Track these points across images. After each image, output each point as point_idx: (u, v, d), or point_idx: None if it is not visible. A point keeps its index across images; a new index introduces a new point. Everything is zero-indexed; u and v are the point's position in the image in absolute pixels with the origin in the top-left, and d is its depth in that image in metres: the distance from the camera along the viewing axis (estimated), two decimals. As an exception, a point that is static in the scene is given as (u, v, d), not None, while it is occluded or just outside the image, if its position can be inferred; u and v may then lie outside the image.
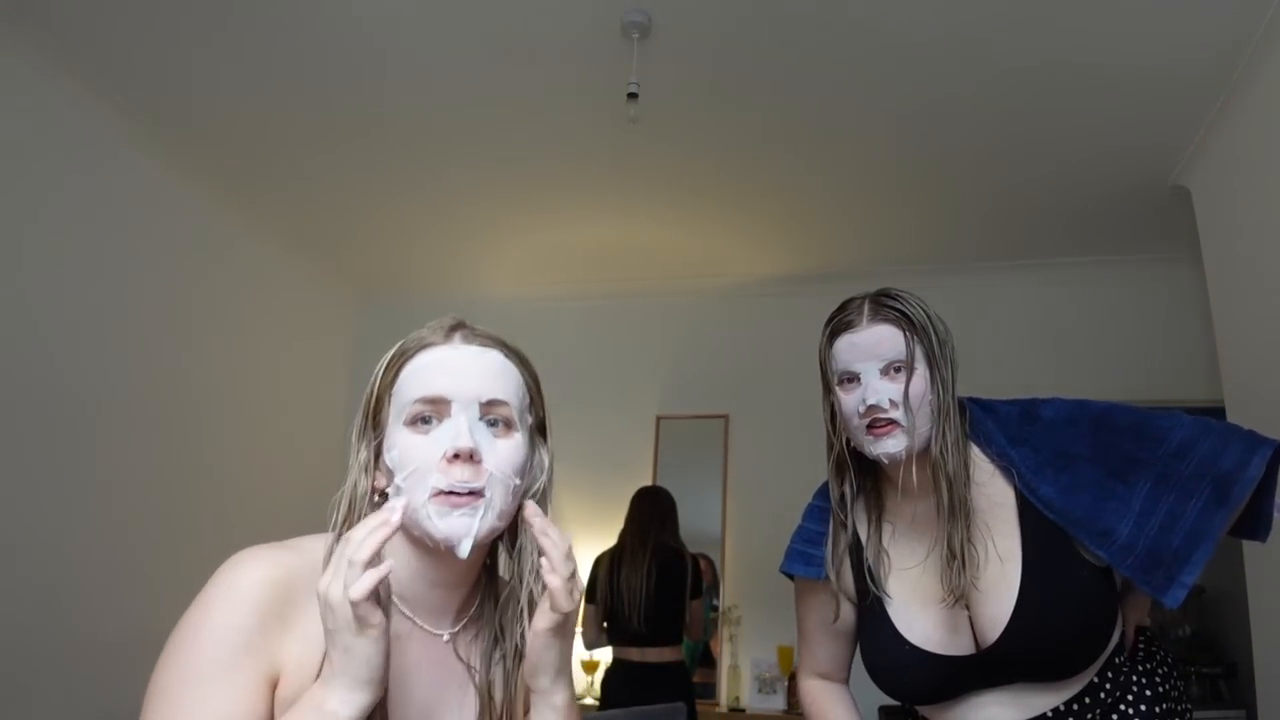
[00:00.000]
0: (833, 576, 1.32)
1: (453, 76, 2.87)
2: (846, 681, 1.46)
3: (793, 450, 4.21)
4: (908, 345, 1.19)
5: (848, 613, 1.35)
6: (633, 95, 2.58)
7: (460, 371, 0.91)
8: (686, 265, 4.28)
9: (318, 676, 0.80)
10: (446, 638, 0.96)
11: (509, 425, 0.93)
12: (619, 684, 3.20)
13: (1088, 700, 1.20)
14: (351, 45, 2.72)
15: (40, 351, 2.83)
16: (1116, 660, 1.24)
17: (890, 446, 1.19)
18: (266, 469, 3.84)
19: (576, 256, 4.26)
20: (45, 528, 2.81)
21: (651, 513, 3.37)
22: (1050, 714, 1.20)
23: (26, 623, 2.70)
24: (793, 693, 3.78)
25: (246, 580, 0.82)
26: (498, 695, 0.96)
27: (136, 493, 3.18)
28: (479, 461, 0.87)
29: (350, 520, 0.89)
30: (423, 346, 0.93)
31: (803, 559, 1.38)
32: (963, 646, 1.21)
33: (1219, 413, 2.88)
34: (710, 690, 3.90)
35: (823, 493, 1.44)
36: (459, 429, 0.87)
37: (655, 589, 3.17)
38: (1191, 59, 2.62)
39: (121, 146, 3.14)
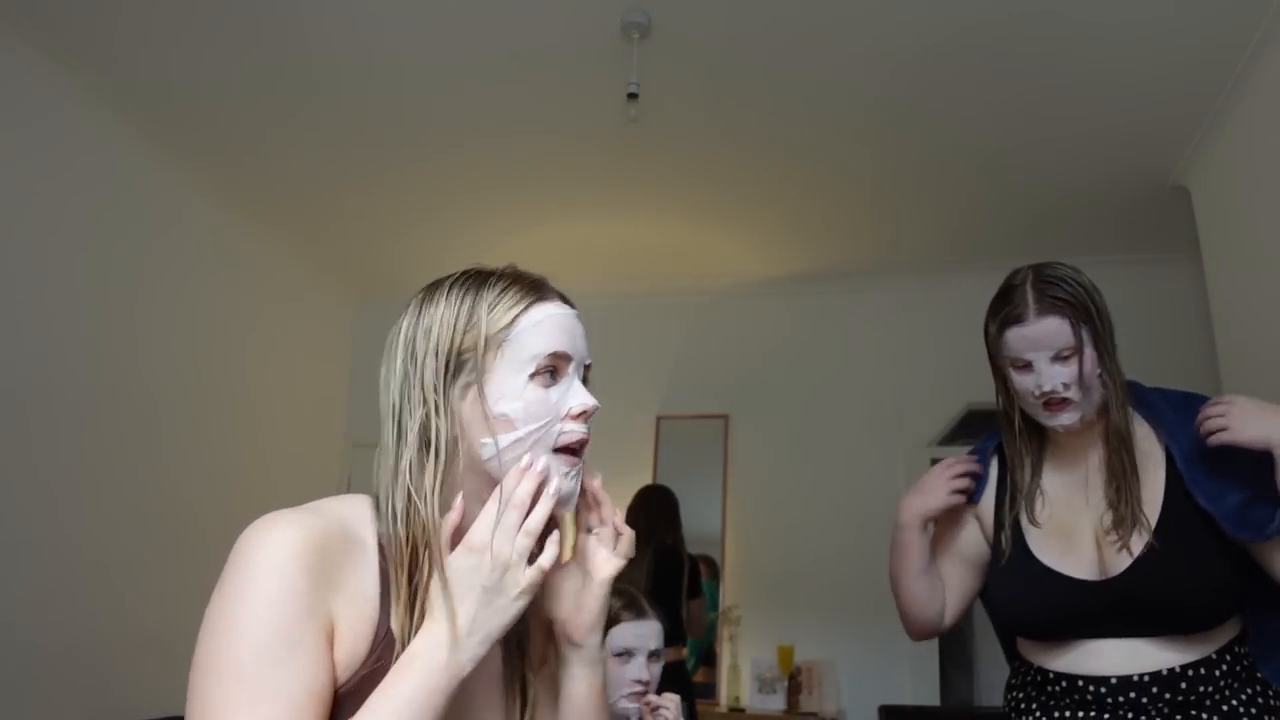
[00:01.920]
0: (986, 509, 1.48)
1: (453, 77, 2.87)
2: (940, 592, 1.56)
3: (793, 450, 4.22)
4: (1075, 334, 1.30)
5: (979, 544, 1.50)
6: (633, 95, 2.58)
7: (575, 332, 0.91)
8: (686, 265, 4.28)
9: (378, 635, 0.78)
10: None
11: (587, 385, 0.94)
12: None
13: (1203, 672, 1.25)
14: (351, 45, 2.72)
15: (39, 352, 2.83)
16: (1239, 650, 1.29)
17: (1065, 420, 1.33)
18: (265, 468, 3.83)
19: (576, 256, 4.26)
20: (45, 528, 2.81)
21: (649, 512, 3.37)
22: (1165, 672, 1.26)
23: (25, 623, 2.70)
24: (793, 692, 3.78)
25: (284, 541, 0.75)
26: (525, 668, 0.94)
27: (135, 493, 3.18)
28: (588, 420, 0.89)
29: (440, 468, 0.83)
30: (538, 298, 0.91)
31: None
32: (1089, 575, 1.32)
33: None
34: (710, 690, 3.90)
35: (988, 438, 1.57)
36: (582, 388, 0.89)
37: (652, 588, 3.18)
38: (1191, 59, 2.62)
39: (121, 147, 3.13)
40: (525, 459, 0.83)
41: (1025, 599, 1.37)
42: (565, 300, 0.94)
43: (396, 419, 0.85)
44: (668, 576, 3.23)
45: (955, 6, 2.47)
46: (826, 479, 4.09)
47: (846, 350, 4.25)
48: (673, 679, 3.17)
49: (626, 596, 1.73)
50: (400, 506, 0.81)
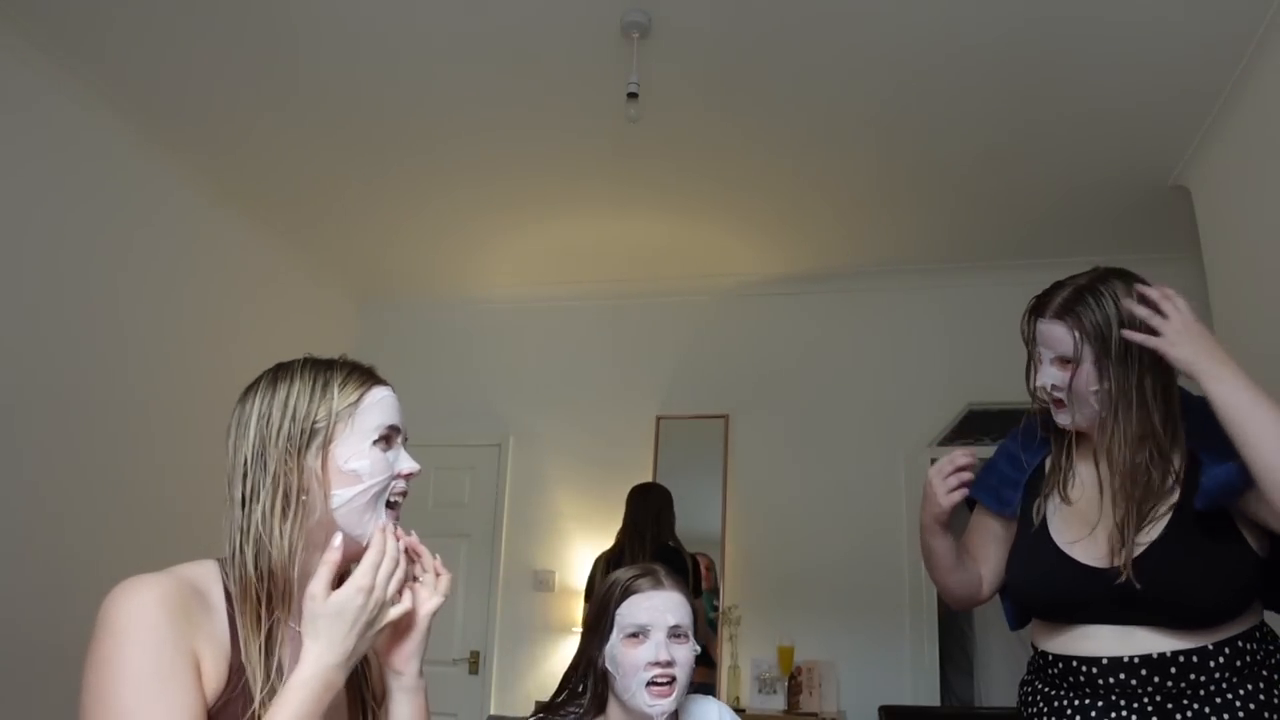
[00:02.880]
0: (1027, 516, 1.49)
1: (453, 77, 2.87)
2: (976, 574, 1.59)
3: (793, 450, 4.22)
4: (1076, 348, 1.35)
5: (1009, 531, 1.54)
6: (633, 95, 2.58)
7: (399, 410, 1.10)
8: (686, 265, 4.28)
9: (233, 668, 0.92)
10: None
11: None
12: None
13: (1195, 660, 1.26)
14: (351, 46, 2.72)
15: (38, 352, 2.83)
16: (1244, 645, 1.29)
17: (1060, 420, 1.42)
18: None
19: (576, 256, 4.26)
20: (38, 527, 2.81)
21: (646, 511, 3.37)
22: (1155, 656, 1.28)
23: (18, 622, 2.70)
24: (793, 692, 3.78)
25: (148, 596, 0.90)
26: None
27: (136, 494, 3.18)
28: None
29: (293, 516, 1.00)
30: (374, 382, 1.10)
31: (997, 497, 1.56)
32: (1098, 561, 1.35)
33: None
34: (710, 690, 3.89)
35: (1015, 437, 1.59)
36: (408, 456, 1.09)
37: None
38: (1191, 59, 2.62)
39: (118, 145, 3.13)
40: (381, 521, 1.02)
41: (1035, 577, 1.43)
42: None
43: (249, 479, 1.01)
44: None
45: (956, 7, 2.47)
46: (826, 479, 4.09)
47: (846, 350, 4.25)
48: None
49: (644, 568, 1.52)
50: (251, 555, 0.97)
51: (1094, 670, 1.32)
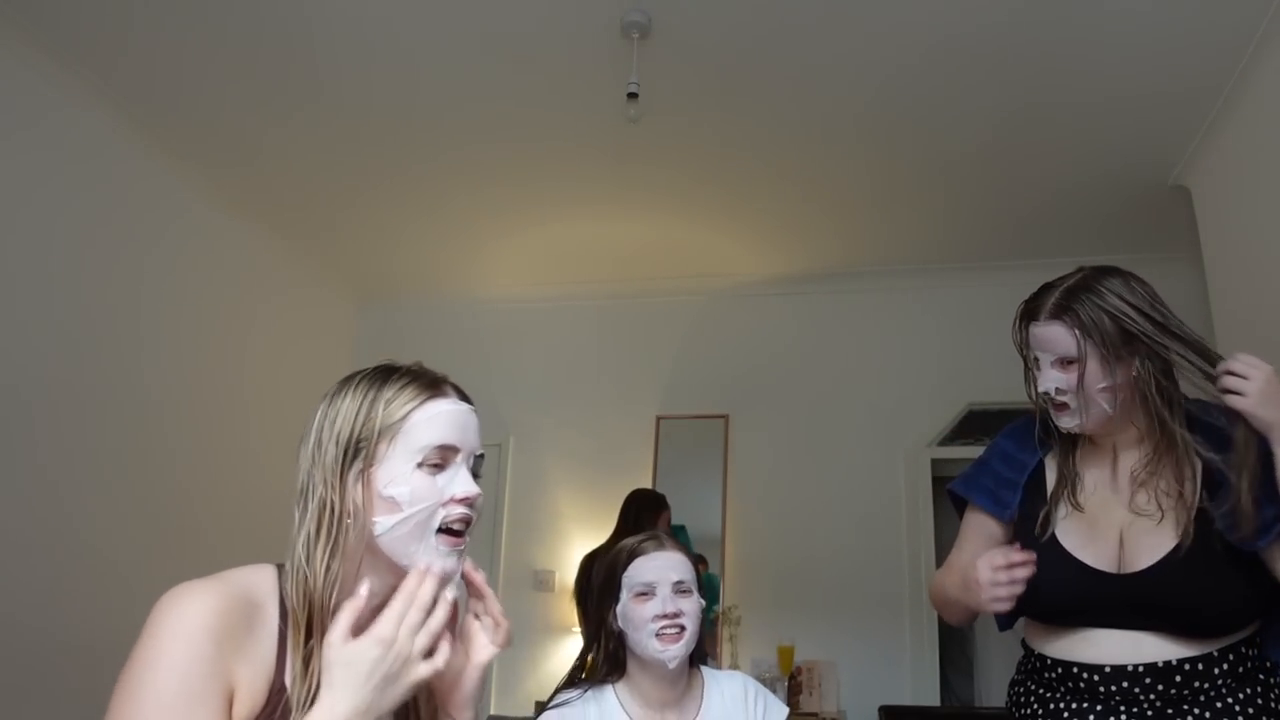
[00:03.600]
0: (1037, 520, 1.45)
1: (453, 77, 2.87)
2: None
3: (793, 450, 4.22)
4: (1078, 345, 1.32)
5: (1008, 533, 1.51)
6: (633, 95, 2.58)
7: (466, 427, 1.00)
8: (686, 265, 4.28)
9: (273, 689, 0.87)
10: None
11: (477, 475, 1.03)
12: None
13: (1200, 668, 1.25)
14: (350, 46, 2.72)
15: (38, 352, 2.83)
16: (1244, 650, 1.28)
17: (1065, 423, 1.38)
18: (264, 470, 3.83)
19: (576, 256, 4.26)
20: (49, 526, 2.81)
21: (625, 516, 3.36)
22: (1161, 665, 1.26)
23: (31, 620, 2.70)
24: (793, 692, 3.78)
25: (195, 608, 0.85)
26: None
27: (134, 494, 3.18)
28: (474, 504, 0.98)
29: (332, 543, 0.93)
30: (432, 395, 0.99)
31: (994, 499, 1.52)
32: (1106, 566, 1.33)
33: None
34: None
35: (1010, 436, 1.56)
36: (468, 477, 0.98)
37: None
38: (1191, 59, 2.62)
39: (123, 149, 3.13)
40: (422, 562, 0.93)
41: (1042, 579, 1.38)
42: (463, 396, 1.03)
43: (303, 497, 0.96)
44: None
45: (956, 7, 2.47)
46: (826, 479, 4.09)
47: (846, 350, 4.25)
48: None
49: (648, 534, 1.63)
50: (293, 576, 0.92)
51: (1096, 677, 1.30)
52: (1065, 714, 1.32)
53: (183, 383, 3.44)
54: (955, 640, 4.51)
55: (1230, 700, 1.25)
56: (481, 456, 1.02)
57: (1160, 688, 1.26)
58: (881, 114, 3.00)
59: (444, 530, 0.95)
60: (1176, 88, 2.76)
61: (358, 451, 0.95)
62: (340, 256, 4.33)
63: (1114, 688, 1.28)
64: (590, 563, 3.28)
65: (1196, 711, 1.25)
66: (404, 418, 0.96)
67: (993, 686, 4.90)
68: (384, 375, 0.99)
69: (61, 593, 2.84)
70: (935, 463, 4.01)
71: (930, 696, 3.75)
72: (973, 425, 3.97)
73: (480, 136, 3.22)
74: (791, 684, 3.78)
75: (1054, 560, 1.37)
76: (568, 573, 4.22)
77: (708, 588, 3.73)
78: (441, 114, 3.08)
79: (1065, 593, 1.36)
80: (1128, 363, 1.33)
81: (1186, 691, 1.25)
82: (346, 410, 0.97)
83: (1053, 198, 3.50)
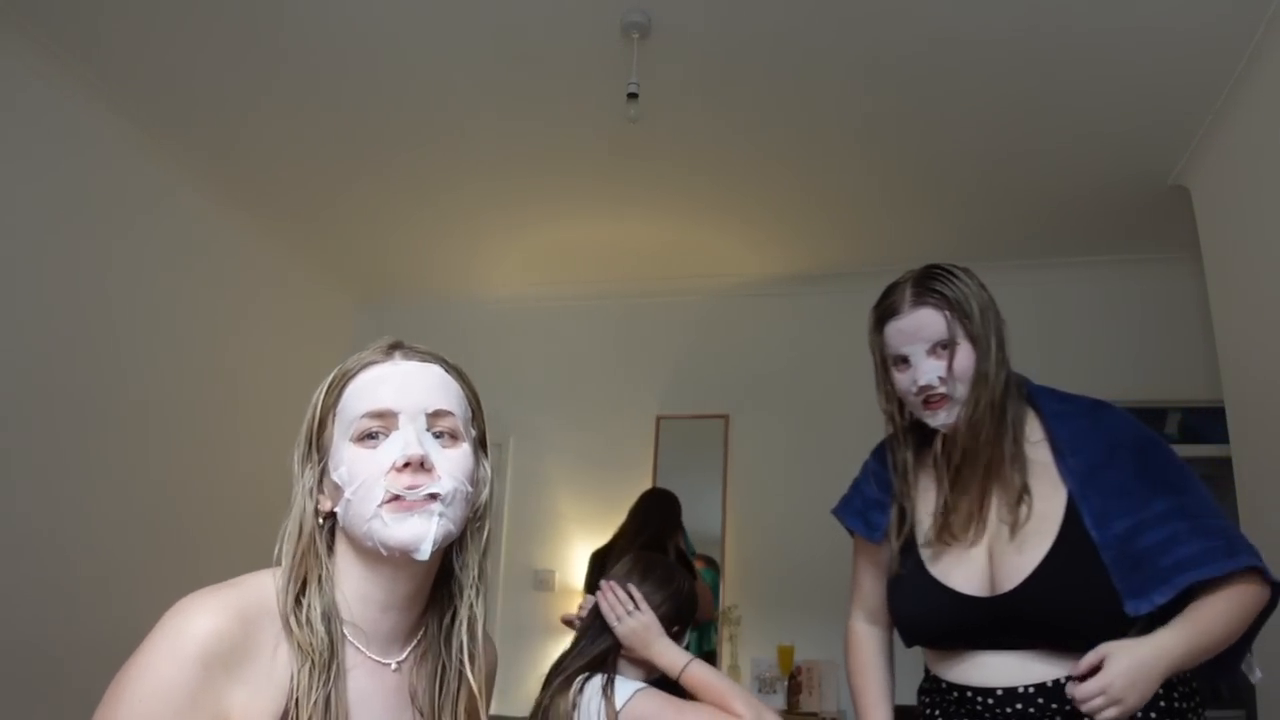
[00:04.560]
0: (893, 541, 1.42)
1: (453, 77, 2.87)
2: (890, 627, 1.53)
3: (793, 450, 4.21)
4: (949, 326, 1.29)
5: (891, 560, 1.46)
6: (633, 95, 2.58)
7: (405, 385, 0.91)
8: (686, 265, 4.28)
9: (287, 706, 0.83)
10: (394, 666, 0.94)
11: (455, 436, 0.93)
12: None
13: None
14: (350, 46, 2.72)
15: (37, 353, 2.83)
16: None
17: (944, 418, 1.32)
18: (263, 471, 3.83)
19: (576, 256, 4.26)
20: (47, 528, 2.81)
21: (646, 513, 3.36)
22: (1050, 684, 1.23)
23: (29, 623, 2.70)
24: (793, 692, 3.78)
25: (192, 630, 0.81)
26: None
27: (134, 495, 3.18)
28: (430, 469, 0.89)
29: (303, 548, 0.90)
30: (364, 365, 0.93)
31: (864, 522, 1.49)
32: (978, 590, 1.30)
33: (1219, 413, 2.88)
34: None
35: (878, 455, 1.55)
36: (408, 439, 0.88)
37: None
38: (1191, 59, 2.62)
39: (120, 145, 3.13)
40: (380, 539, 0.87)
41: (915, 611, 1.36)
42: (425, 355, 0.96)
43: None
44: None
45: (954, 7, 2.47)
46: (826, 479, 4.05)
47: (847, 350, 4.21)
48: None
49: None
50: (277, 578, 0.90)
51: (990, 700, 1.26)
52: None
53: (179, 381, 3.44)
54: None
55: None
56: (443, 413, 0.92)
57: (1054, 706, 1.22)
58: (881, 114, 2.99)
59: (395, 498, 0.87)
60: (1176, 87, 2.76)
61: (311, 447, 0.93)
62: (339, 255, 4.33)
63: (1009, 709, 1.24)
64: (599, 559, 3.29)
65: None
66: (339, 395, 0.92)
67: (993, 686, 4.89)
68: (342, 361, 0.96)
69: (60, 592, 2.84)
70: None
71: (930, 696, 3.75)
72: (973, 425, 3.97)
73: (480, 136, 3.22)
74: (791, 684, 3.79)
75: (924, 589, 1.34)
76: (568, 573, 4.23)
77: (705, 580, 3.74)
78: (441, 113, 3.08)
79: (937, 621, 1.33)
80: (981, 345, 1.30)
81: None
82: (310, 408, 0.94)
83: (1052, 198, 3.49)
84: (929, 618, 1.35)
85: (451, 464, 0.90)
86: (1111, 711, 1.13)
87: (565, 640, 4.39)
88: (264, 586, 0.89)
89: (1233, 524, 1.24)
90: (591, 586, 3.30)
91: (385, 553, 0.88)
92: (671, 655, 1.51)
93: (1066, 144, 3.12)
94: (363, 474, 0.87)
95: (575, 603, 4.02)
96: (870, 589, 1.54)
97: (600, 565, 3.31)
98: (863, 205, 3.66)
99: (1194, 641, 1.17)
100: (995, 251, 3.93)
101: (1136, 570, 1.20)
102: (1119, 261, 3.89)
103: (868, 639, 1.54)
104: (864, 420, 4.08)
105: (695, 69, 2.79)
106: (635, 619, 1.53)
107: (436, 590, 0.98)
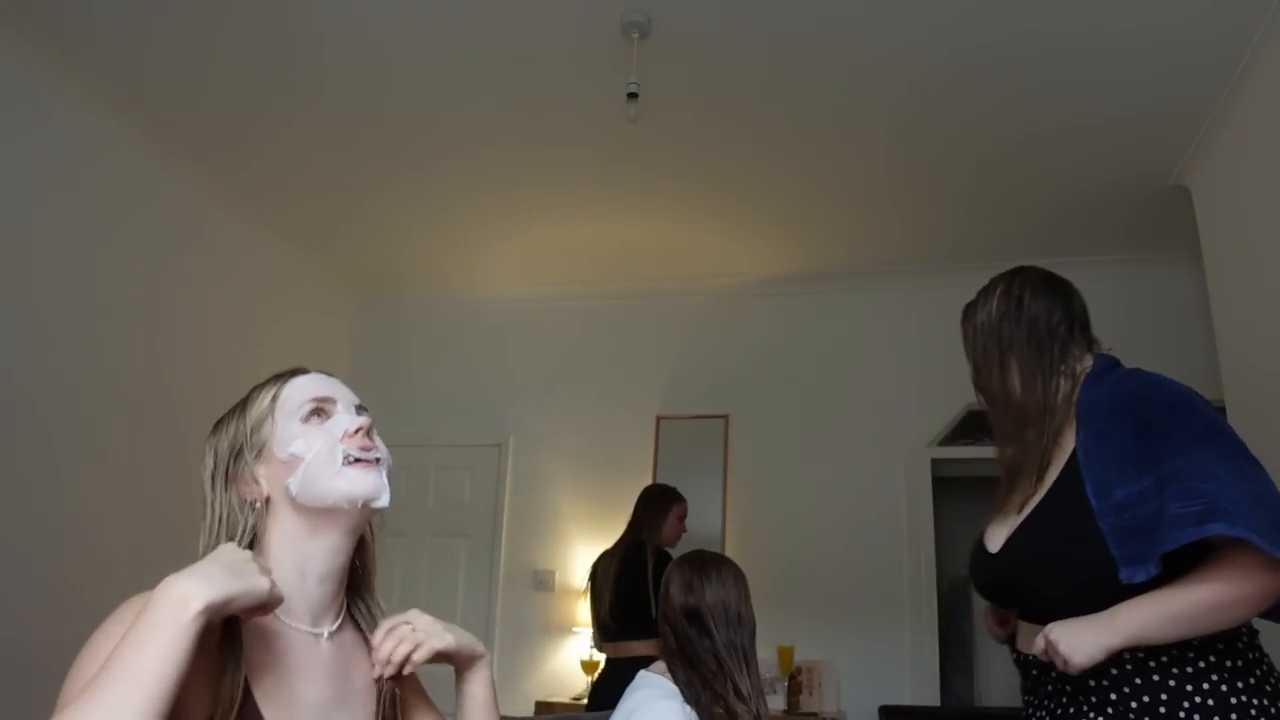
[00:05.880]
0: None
1: (453, 76, 2.87)
2: None
3: (792, 450, 4.21)
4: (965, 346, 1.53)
5: None
6: (633, 95, 2.58)
7: (332, 385, 1.09)
8: (686, 265, 4.28)
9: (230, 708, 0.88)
10: (326, 635, 1.02)
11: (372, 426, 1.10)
12: (601, 681, 3.17)
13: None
14: (351, 44, 2.72)
15: (46, 351, 2.83)
16: (1140, 653, 1.18)
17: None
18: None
19: (576, 256, 4.26)
20: (53, 525, 2.81)
21: (635, 514, 3.36)
22: (1030, 657, 1.27)
23: (34, 620, 2.70)
24: (793, 692, 3.78)
25: (127, 614, 0.91)
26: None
27: (131, 492, 3.18)
28: (374, 439, 1.05)
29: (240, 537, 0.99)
30: (288, 378, 1.08)
31: None
32: (993, 548, 1.36)
33: (1219, 413, 2.88)
34: (710, 690, 3.89)
35: None
36: (353, 416, 1.05)
37: (624, 583, 3.13)
38: (1191, 59, 2.62)
39: (125, 149, 3.14)
40: (344, 490, 0.99)
41: (969, 568, 1.45)
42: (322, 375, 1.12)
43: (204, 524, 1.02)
44: (634, 571, 3.17)
45: (955, 8, 2.47)
46: (826, 479, 4.09)
47: (846, 350, 4.25)
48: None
49: None
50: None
51: (1035, 672, 1.30)
52: (1047, 716, 1.29)
53: (180, 381, 3.44)
54: (955, 640, 4.51)
55: (1126, 707, 1.17)
56: (363, 407, 1.09)
57: (1053, 673, 1.24)
58: (881, 115, 2.99)
59: (354, 461, 1.01)
60: (1176, 88, 2.76)
61: (239, 453, 1.02)
62: (339, 255, 4.33)
63: (1041, 675, 1.28)
64: (603, 562, 3.28)
65: (1092, 715, 1.19)
66: (273, 400, 1.05)
67: (993, 686, 4.90)
68: (241, 404, 1.07)
69: (59, 592, 2.84)
70: (935, 463, 4.01)
71: (930, 696, 3.75)
72: (972, 425, 3.97)
73: (480, 136, 3.22)
74: (791, 684, 3.78)
75: (976, 546, 1.42)
76: (568, 573, 4.23)
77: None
78: (442, 113, 3.08)
79: (974, 578, 1.42)
80: (983, 372, 1.51)
81: (1091, 681, 1.20)
82: (220, 438, 1.04)
83: (1053, 198, 3.50)
84: (971, 574, 1.43)
85: (381, 443, 1.07)
86: (1056, 660, 1.16)
87: (565, 640, 4.40)
88: None
89: (1239, 484, 1.14)
90: (591, 591, 3.30)
91: (348, 505, 0.99)
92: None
93: (1067, 144, 3.12)
94: (320, 441, 1.01)
95: (575, 603, 4.02)
96: None
97: (594, 571, 3.30)
98: (863, 206, 3.66)
99: (1156, 611, 1.14)
100: (995, 252, 3.92)
101: (1130, 540, 1.18)
102: (1120, 261, 3.89)
103: None
104: (864, 420, 4.12)
105: (695, 69, 2.79)
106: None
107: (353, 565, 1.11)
